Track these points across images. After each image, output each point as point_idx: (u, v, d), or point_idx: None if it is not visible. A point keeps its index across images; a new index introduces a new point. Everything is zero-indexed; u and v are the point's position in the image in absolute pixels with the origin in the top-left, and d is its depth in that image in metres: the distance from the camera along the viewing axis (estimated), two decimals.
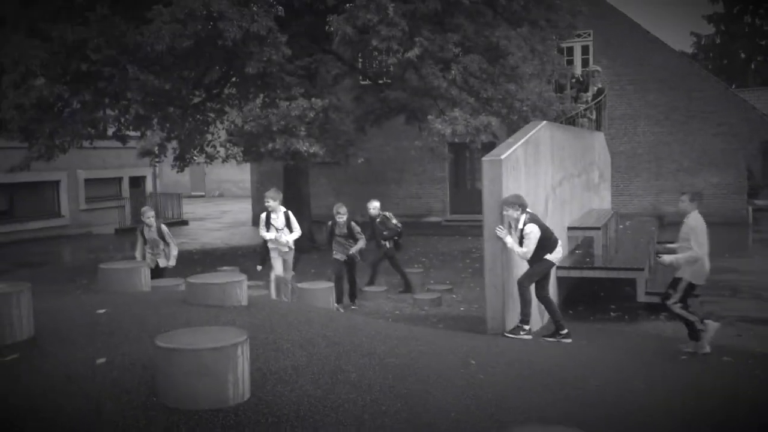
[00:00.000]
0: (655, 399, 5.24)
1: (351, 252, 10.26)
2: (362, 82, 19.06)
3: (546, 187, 9.74)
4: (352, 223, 10.30)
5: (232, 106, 16.24)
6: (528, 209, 7.58)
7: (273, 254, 9.68)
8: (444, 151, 15.14)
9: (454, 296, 11.34)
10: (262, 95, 14.72)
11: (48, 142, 13.54)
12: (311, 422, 3.70)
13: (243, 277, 5.93)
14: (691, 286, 7.20)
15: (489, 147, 15.49)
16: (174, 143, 15.28)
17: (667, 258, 7.23)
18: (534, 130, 9.11)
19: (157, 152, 15.06)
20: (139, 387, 3.94)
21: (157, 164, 16.29)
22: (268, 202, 9.49)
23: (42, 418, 3.64)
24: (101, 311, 5.34)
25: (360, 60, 17.95)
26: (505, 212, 7.50)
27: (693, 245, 7.04)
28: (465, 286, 12.24)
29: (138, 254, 10.08)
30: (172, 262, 10.05)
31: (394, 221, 11.48)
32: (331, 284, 9.03)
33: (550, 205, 9.92)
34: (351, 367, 4.55)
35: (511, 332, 7.34)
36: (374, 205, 11.51)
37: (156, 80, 12.65)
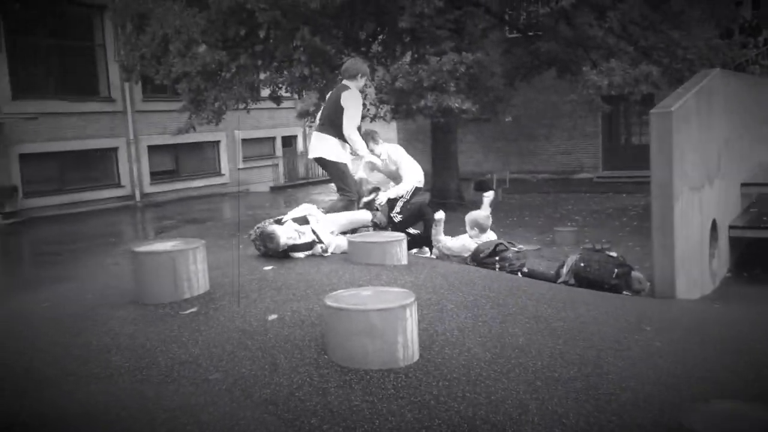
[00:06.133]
0: None
1: None
2: (510, 35, 18.44)
3: (718, 140, 9.02)
4: None
5: (380, 63, 16.26)
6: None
7: None
8: (602, 103, 14.42)
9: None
10: (410, 52, 14.59)
11: (213, 107, 14.17)
12: (483, 386, 3.61)
13: (402, 236, 5.96)
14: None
15: (647, 99, 14.63)
16: None
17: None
18: (707, 79, 8.40)
19: (312, 112, 15.38)
20: (310, 344, 4.01)
21: (312, 125, 16.70)
22: None
23: (222, 368, 3.80)
24: (267, 268, 5.51)
25: (509, 12, 17.36)
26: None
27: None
28: (623, 246, 11.64)
29: None
30: None
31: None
32: None
33: (723, 160, 9.19)
34: (518, 330, 4.42)
35: None
36: None
37: (321, 43, 12.85)
